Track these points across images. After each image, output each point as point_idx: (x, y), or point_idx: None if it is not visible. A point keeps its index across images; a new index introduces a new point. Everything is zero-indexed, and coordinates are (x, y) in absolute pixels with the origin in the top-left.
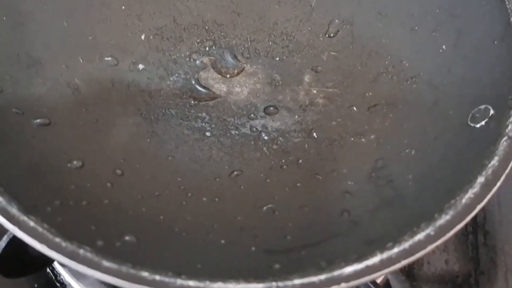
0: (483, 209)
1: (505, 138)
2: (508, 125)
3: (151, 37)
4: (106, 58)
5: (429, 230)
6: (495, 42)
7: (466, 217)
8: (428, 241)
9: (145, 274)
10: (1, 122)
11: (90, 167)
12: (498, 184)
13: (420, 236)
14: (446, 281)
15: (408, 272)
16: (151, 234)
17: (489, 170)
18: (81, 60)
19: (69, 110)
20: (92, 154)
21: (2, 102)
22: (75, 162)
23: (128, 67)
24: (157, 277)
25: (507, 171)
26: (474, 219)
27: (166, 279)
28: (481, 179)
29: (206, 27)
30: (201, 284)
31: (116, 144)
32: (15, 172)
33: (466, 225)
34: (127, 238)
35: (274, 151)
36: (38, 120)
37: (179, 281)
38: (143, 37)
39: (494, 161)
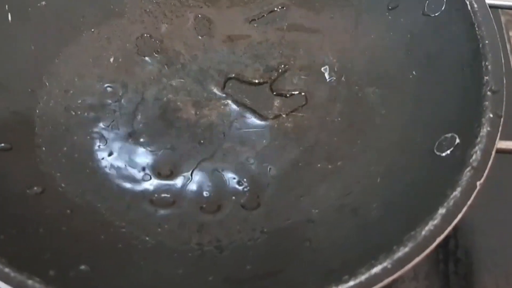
0: (455, 236)
1: (469, 168)
2: (472, 155)
3: (120, 59)
4: (74, 82)
5: (387, 263)
6: (464, 69)
7: (425, 249)
8: (385, 274)
9: None
10: None
11: (50, 193)
12: (460, 215)
13: (376, 269)
14: None
15: None
16: (108, 262)
17: (450, 201)
18: (47, 84)
19: (32, 135)
20: (53, 179)
21: None
22: (35, 188)
23: (95, 90)
24: None
25: (469, 202)
26: (446, 246)
27: None
28: (442, 210)
29: (175, 49)
30: None
31: None
32: None
33: (437, 253)
34: (82, 267)
35: None
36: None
37: None
38: (112, 59)
39: (456, 192)
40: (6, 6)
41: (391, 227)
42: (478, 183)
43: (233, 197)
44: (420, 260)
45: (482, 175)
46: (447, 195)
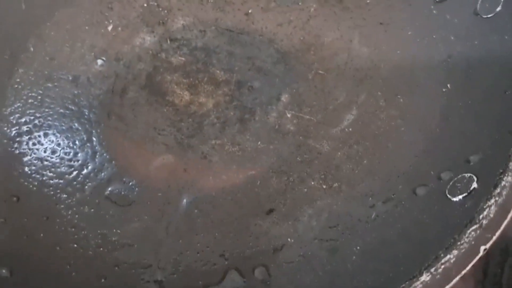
0: None
1: (475, 226)
2: (484, 209)
3: (119, 28)
4: (62, 50)
5: None
6: (506, 93)
7: None
8: None
9: None
10: None
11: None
12: (449, 286)
13: None
14: None
15: None
16: (35, 267)
17: (440, 267)
18: (31, 49)
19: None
20: (9, 157)
21: None
22: None
23: (83, 62)
24: None
25: (464, 271)
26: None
27: None
28: (426, 277)
29: (183, 22)
30: None
31: None
32: None
33: None
34: (3, 272)
35: None
36: None
37: None
38: (110, 28)
39: (451, 256)
40: None
41: (364, 282)
42: (482, 248)
43: (199, 209)
44: None
45: (490, 239)
46: (438, 258)
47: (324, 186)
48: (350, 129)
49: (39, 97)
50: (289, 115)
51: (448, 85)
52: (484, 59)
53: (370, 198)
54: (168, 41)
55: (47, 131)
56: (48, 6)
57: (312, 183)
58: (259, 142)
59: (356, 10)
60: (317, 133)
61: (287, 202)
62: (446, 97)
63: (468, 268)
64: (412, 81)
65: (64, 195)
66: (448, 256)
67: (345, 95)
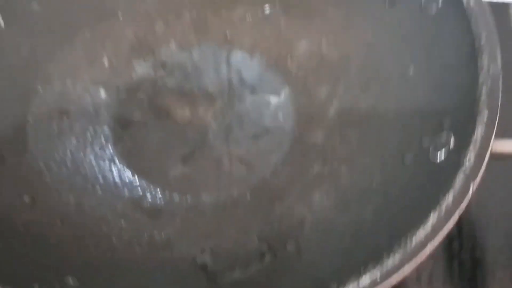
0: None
1: (462, 169)
2: (466, 155)
3: (114, 62)
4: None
5: (376, 273)
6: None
7: (414, 257)
8: (373, 283)
9: None
10: None
11: (41, 203)
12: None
13: (365, 280)
14: None
15: None
16: (99, 273)
17: (443, 208)
18: (40, 90)
19: (24, 144)
20: (44, 189)
21: None
22: (25, 199)
23: (88, 94)
24: None
25: (462, 206)
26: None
27: None
28: (433, 218)
29: (171, 49)
30: None
31: None
32: None
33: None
34: (69, 280)
35: None
36: None
37: None
38: (106, 62)
39: (448, 196)
40: None
41: (383, 234)
42: (471, 184)
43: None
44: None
45: (476, 177)
46: (439, 200)
47: (326, 169)
48: (336, 119)
49: (56, 132)
50: (281, 115)
51: (411, 69)
52: (436, 46)
53: (368, 171)
54: (161, 67)
55: (70, 157)
56: (49, 47)
57: (315, 168)
58: (261, 143)
59: (318, 18)
60: (309, 127)
61: (298, 188)
62: (411, 81)
63: (464, 204)
64: (381, 70)
65: (99, 213)
66: (446, 196)
67: (325, 91)
